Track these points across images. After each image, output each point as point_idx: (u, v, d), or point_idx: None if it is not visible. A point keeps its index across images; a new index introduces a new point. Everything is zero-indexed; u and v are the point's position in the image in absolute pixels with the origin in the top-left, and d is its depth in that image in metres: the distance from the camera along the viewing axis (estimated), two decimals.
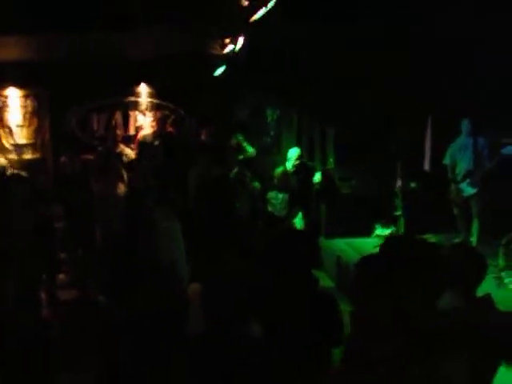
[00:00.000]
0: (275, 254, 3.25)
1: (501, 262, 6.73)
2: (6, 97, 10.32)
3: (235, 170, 8.08)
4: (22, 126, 10.40)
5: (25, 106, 10.43)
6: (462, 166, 8.12)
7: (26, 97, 10.41)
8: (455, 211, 8.35)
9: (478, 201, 8.01)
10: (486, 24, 7.49)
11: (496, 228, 7.67)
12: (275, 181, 8.33)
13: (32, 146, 10.45)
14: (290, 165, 9.02)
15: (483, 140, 8.09)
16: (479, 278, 3.01)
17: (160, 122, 10.24)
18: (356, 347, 2.08)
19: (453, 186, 8.26)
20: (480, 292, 3.02)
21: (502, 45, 7.91)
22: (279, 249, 3.25)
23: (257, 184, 8.15)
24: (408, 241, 2.71)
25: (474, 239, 7.94)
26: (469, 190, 8.05)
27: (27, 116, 10.44)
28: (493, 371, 2.49)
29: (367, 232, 9.45)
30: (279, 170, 8.44)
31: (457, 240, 7.91)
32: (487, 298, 2.99)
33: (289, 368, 2.69)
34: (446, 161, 8.35)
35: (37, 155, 10.38)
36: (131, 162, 8.66)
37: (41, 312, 6.12)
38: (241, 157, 9.10)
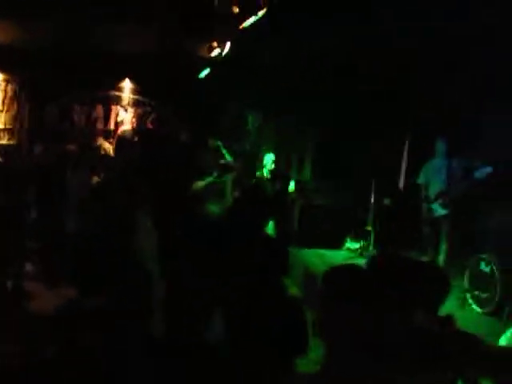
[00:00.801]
0: (245, 259, 3.29)
1: (465, 283, 6.87)
2: None
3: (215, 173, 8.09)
4: (0, 111, 10.31)
5: (5, 91, 10.33)
6: (435, 187, 8.25)
7: (6, 81, 10.32)
8: (425, 230, 8.48)
9: (448, 222, 8.16)
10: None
11: (463, 249, 7.83)
12: None
13: (9, 132, 10.35)
14: (266, 171, 9.08)
15: (457, 162, 8.23)
16: (442, 298, 3.07)
17: (140, 119, 10.23)
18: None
19: (424, 206, 8.38)
20: (444, 312, 3.09)
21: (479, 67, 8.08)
22: (249, 254, 3.30)
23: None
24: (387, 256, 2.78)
25: (440, 259, 8.07)
26: (440, 211, 8.18)
27: (6, 101, 10.34)
28: None
29: (338, 244, 9.54)
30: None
31: (424, 259, 8.03)
32: (449, 318, 3.06)
33: (247, 372, 2.72)
34: (420, 180, 8.47)
35: (13, 141, 10.29)
36: (106, 156, 8.63)
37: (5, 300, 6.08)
38: (221, 161, 9.09)
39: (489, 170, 7.71)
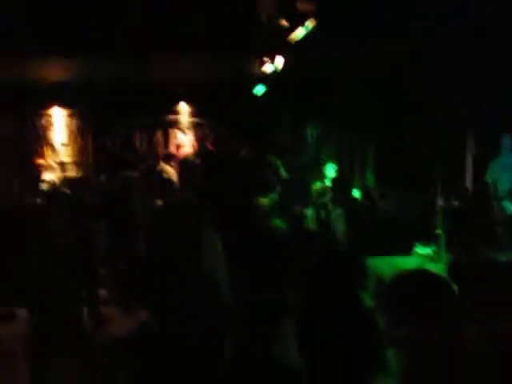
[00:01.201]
0: (314, 274, 3.25)
1: None
2: (50, 116, 10.62)
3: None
4: (66, 145, 10.67)
5: (69, 125, 10.70)
6: (504, 184, 8.03)
7: (70, 116, 10.68)
8: (499, 229, 8.23)
9: None
10: None
11: None
12: (313, 197, 8.30)
13: (75, 164, 10.70)
14: (327, 182, 9.01)
15: None
16: None
17: (200, 141, 10.37)
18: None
19: (496, 204, 8.15)
20: None
21: None
22: (318, 268, 3.25)
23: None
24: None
25: None
26: (511, 208, 7.94)
27: (71, 135, 10.70)
28: None
29: (407, 250, 9.34)
30: (316, 186, 8.38)
31: (502, 258, 7.78)
32: None
33: None
34: (489, 178, 8.26)
35: (80, 173, 10.63)
36: (166, 180, 8.72)
37: (83, 326, 6.25)
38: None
39: None
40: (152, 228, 6.04)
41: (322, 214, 8.14)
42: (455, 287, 2.65)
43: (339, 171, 9.07)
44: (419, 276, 2.19)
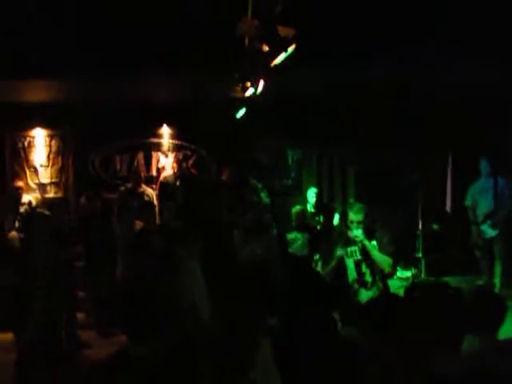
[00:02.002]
0: (295, 296, 3.25)
1: None
2: (32, 137, 10.55)
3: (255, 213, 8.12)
4: (46, 166, 10.59)
5: (49, 146, 10.63)
6: (483, 208, 8.08)
7: (50, 137, 10.61)
8: (477, 253, 8.28)
9: (500, 242, 7.95)
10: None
11: None
12: (293, 221, 8.29)
13: (55, 185, 10.62)
14: (310, 206, 9.03)
15: (503, 181, 8.07)
16: (500, 322, 2.98)
17: (181, 163, 10.34)
18: None
19: (474, 228, 8.20)
20: (504, 335, 3.00)
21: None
22: (299, 290, 3.25)
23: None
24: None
25: (497, 281, 7.84)
26: (490, 232, 7.99)
27: (51, 156, 10.63)
28: None
29: (389, 274, 9.35)
30: (295, 209, 8.37)
31: (480, 282, 7.82)
32: (509, 341, 2.96)
33: None
34: (468, 202, 8.32)
35: (59, 194, 10.54)
36: (147, 202, 8.65)
37: (61, 349, 6.16)
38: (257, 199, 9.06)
39: None
40: (131, 251, 5.99)
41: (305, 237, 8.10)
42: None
43: (318, 196, 9.09)
44: (386, 300, 2.23)
